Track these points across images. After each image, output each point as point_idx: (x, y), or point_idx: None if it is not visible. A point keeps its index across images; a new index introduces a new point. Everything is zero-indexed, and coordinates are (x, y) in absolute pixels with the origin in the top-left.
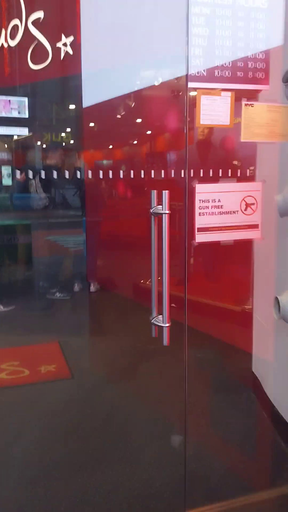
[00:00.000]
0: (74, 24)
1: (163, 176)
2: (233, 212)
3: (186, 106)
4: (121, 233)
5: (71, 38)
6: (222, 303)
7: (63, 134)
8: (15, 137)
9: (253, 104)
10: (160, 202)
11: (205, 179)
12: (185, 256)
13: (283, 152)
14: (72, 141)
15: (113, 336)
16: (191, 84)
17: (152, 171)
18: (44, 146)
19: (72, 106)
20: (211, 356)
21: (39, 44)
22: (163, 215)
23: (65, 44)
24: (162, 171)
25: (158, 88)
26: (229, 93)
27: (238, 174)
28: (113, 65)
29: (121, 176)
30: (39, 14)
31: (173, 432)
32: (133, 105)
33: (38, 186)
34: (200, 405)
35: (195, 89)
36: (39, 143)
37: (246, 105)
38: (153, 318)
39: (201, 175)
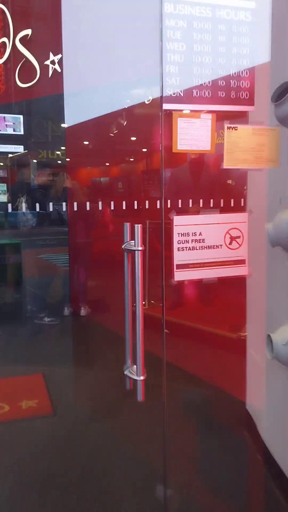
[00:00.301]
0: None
1: (135, 207)
2: (216, 246)
3: (161, 131)
4: (108, 253)
5: (59, 56)
6: (216, 329)
7: (57, 152)
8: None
9: (236, 127)
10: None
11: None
12: (162, 296)
13: (272, 179)
14: (60, 160)
15: (100, 366)
16: (166, 106)
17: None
18: (35, 163)
19: (64, 124)
20: (200, 394)
21: (27, 61)
22: (136, 251)
23: (53, 62)
24: (135, 202)
25: (140, 108)
26: (209, 115)
27: (221, 204)
28: (92, 85)
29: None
30: (27, 32)
31: (157, 481)
32: (116, 127)
33: (22, 206)
34: (187, 449)
35: (171, 111)
36: (33, 161)
37: (228, 128)
38: (127, 368)
39: (179, 205)
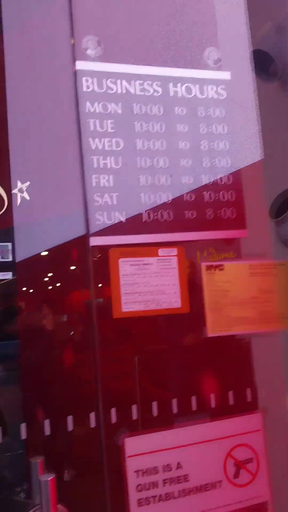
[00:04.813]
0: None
1: None
2: (212, 486)
3: (91, 281)
4: None
5: (27, 183)
6: None
7: None
8: None
9: (222, 265)
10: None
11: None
12: None
13: None
14: None
15: None
16: (96, 241)
17: None
18: None
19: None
20: None
21: None
22: None
23: (21, 190)
24: None
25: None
26: (173, 250)
27: (213, 403)
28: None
29: None
30: None
31: None
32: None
33: None
34: None
35: (105, 247)
36: None
37: (208, 268)
38: None
39: None
